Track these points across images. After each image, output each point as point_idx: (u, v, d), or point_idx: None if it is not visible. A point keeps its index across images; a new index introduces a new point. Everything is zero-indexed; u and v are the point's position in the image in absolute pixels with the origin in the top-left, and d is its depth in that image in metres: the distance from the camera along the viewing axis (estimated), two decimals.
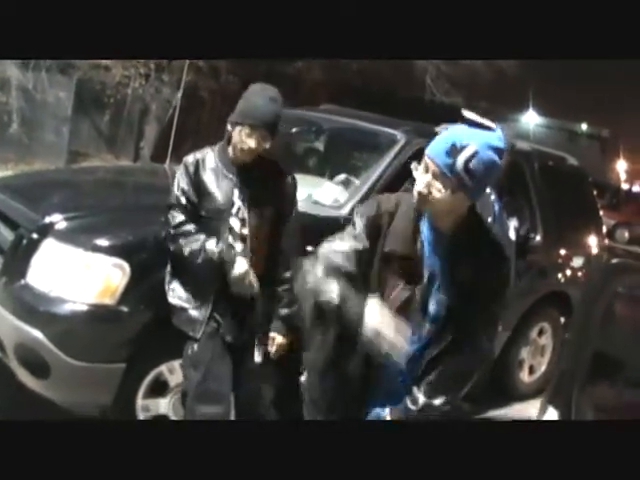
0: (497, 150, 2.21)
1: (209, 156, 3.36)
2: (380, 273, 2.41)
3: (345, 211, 4.28)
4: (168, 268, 3.40)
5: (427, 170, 2.23)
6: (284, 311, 3.40)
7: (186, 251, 3.24)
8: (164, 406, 3.77)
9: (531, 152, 5.86)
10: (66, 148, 14.08)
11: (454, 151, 2.18)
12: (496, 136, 2.25)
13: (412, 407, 2.37)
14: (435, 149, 2.24)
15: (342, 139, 5.42)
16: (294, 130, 5.12)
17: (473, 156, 2.17)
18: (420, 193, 2.24)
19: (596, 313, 2.61)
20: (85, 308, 3.46)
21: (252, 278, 3.26)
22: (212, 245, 3.23)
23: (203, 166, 3.32)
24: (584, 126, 35.88)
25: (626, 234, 22.81)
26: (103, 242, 3.55)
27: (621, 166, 46.20)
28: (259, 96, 3.27)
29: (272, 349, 3.39)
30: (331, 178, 4.78)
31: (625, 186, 40.30)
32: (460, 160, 2.17)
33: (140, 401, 3.70)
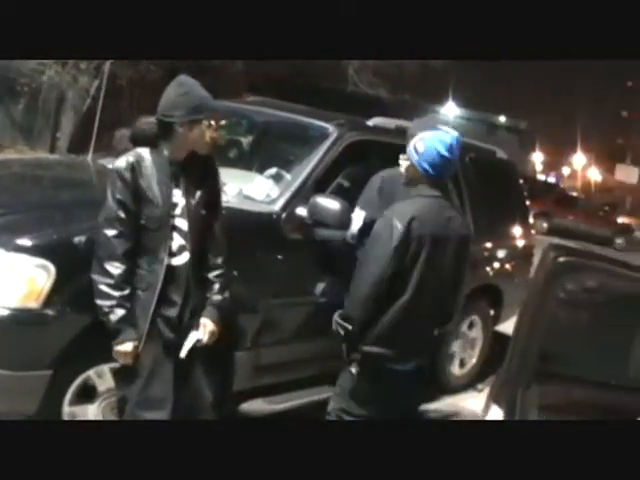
0: None
1: (142, 158, 3.19)
2: None
3: (277, 206, 4.20)
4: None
5: None
6: (216, 297, 3.36)
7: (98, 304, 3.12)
8: (92, 412, 3.61)
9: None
10: None
11: None
12: None
13: None
14: None
15: (273, 132, 5.30)
16: (223, 122, 4.96)
17: None
18: None
19: (543, 311, 2.59)
20: (7, 312, 3.25)
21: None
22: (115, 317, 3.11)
23: (139, 170, 3.16)
24: (502, 118, 36.71)
25: (545, 224, 23.42)
26: (26, 242, 3.34)
27: (537, 158, 47.83)
28: (183, 89, 3.22)
29: (205, 337, 3.29)
30: (261, 172, 4.65)
31: (541, 177, 41.64)
32: None
33: (67, 408, 3.52)
